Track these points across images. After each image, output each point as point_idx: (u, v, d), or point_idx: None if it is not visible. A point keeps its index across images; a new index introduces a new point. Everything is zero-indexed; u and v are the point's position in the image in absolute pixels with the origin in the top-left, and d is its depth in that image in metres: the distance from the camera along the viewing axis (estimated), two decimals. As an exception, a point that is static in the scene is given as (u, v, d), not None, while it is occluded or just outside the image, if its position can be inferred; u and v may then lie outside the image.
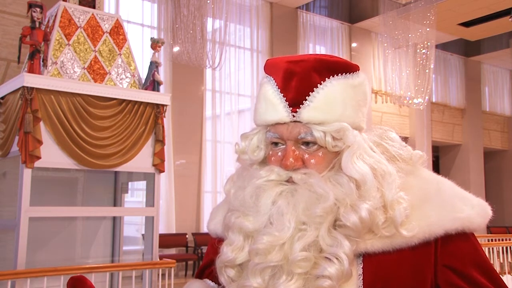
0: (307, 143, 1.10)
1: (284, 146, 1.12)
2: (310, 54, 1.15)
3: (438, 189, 1.13)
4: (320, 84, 1.10)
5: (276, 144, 1.14)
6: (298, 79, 1.11)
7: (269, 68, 1.18)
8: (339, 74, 1.12)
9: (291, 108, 1.10)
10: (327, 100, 1.10)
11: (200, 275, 1.34)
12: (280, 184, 1.10)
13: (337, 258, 1.01)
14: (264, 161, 1.17)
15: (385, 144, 1.18)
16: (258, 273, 1.04)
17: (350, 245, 1.02)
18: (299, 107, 1.10)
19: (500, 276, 1.13)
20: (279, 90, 1.13)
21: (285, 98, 1.12)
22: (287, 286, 1.01)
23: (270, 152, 1.15)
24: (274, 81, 1.15)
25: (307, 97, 1.10)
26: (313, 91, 1.10)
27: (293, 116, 1.10)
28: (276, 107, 1.12)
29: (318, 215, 1.02)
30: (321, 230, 1.03)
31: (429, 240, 1.06)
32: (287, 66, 1.13)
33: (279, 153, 1.13)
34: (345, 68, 1.13)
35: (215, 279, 1.20)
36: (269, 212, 1.07)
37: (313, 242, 1.03)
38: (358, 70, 1.16)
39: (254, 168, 1.17)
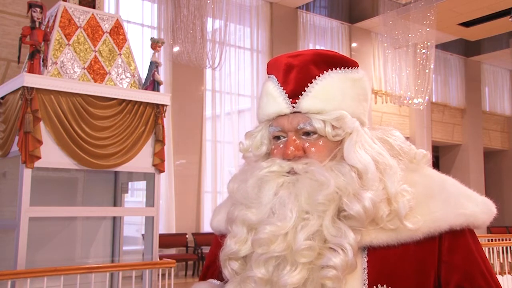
0: (307, 133, 1.11)
1: (286, 138, 1.14)
2: (309, 49, 1.18)
3: (442, 187, 1.13)
4: (319, 76, 1.12)
5: (278, 138, 1.16)
6: (296, 71, 1.13)
7: (271, 67, 1.21)
8: (338, 68, 1.14)
9: (290, 100, 1.13)
10: (326, 90, 1.12)
11: (204, 276, 1.34)
12: (282, 176, 1.10)
13: (342, 249, 1.01)
14: (268, 157, 1.19)
15: (390, 140, 1.19)
16: (262, 263, 1.04)
17: (355, 236, 1.02)
18: (298, 98, 1.12)
19: (497, 277, 1.14)
20: (279, 84, 1.16)
21: (284, 91, 1.14)
22: (291, 276, 1.01)
23: (273, 146, 1.17)
24: (275, 77, 1.18)
25: (306, 88, 1.12)
26: (312, 82, 1.12)
27: (293, 107, 1.12)
28: (276, 100, 1.15)
29: (320, 202, 1.03)
30: (325, 219, 1.03)
31: (433, 235, 1.06)
32: (286, 60, 1.16)
33: (281, 146, 1.14)
34: (343, 62, 1.15)
35: (220, 274, 1.19)
36: (271, 203, 1.07)
37: (317, 232, 1.03)
38: (357, 66, 1.18)
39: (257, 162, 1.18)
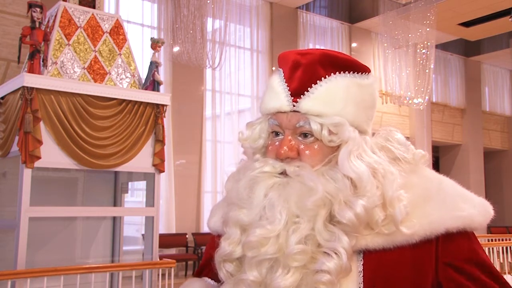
0: (304, 135, 1.10)
1: (283, 136, 1.13)
2: (319, 49, 1.16)
3: (439, 188, 1.13)
4: (325, 77, 1.11)
5: (277, 134, 1.15)
6: (302, 70, 1.12)
7: (281, 61, 1.20)
8: (346, 72, 1.12)
9: (292, 98, 1.11)
10: (329, 93, 1.10)
11: (199, 274, 1.33)
12: (274, 177, 1.10)
13: (335, 253, 1.00)
14: (264, 150, 1.18)
15: (389, 146, 1.17)
16: (254, 266, 1.04)
17: (349, 240, 1.02)
18: (300, 97, 1.10)
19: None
20: (285, 80, 1.14)
21: (288, 88, 1.13)
22: (284, 279, 1.00)
23: (270, 142, 1.16)
24: (282, 72, 1.17)
25: (309, 88, 1.10)
26: (316, 83, 1.10)
27: (293, 105, 1.11)
28: (278, 96, 1.14)
29: (309, 208, 1.02)
30: (317, 224, 1.02)
31: (430, 238, 1.05)
32: (294, 57, 1.14)
33: (277, 143, 1.13)
34: (352, 66, 1.13)
35: (214, 276, 1.19)
36: (261, 204, 1.07)
37: (310, 236, 1.02)
38: (369, 72, 1.16)
39: (252, 160, 1.18)
